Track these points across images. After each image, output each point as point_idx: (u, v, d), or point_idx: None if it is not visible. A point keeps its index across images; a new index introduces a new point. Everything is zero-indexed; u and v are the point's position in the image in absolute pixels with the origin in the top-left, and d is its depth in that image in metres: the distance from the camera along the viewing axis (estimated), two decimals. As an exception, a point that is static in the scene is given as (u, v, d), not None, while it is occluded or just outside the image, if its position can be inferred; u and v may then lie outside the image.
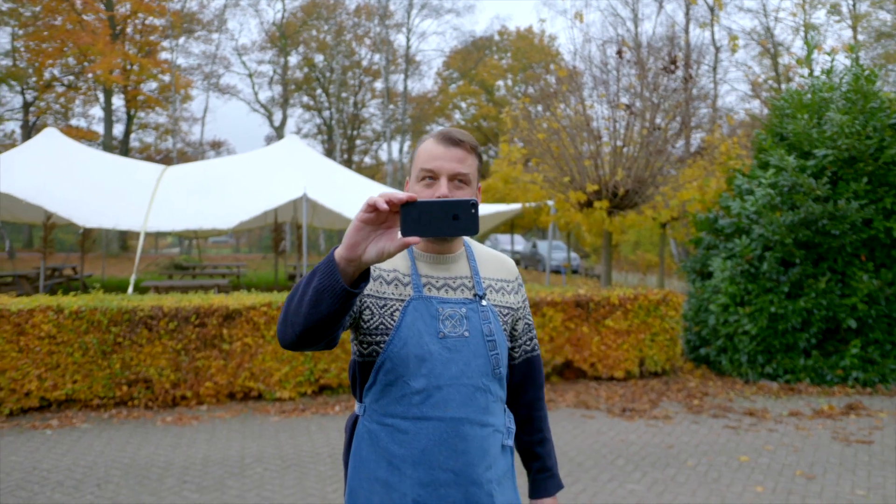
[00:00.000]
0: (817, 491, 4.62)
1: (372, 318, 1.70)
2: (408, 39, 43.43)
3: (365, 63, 43.81)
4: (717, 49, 30.19)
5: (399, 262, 1.76)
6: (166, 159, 36.76)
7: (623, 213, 10.30)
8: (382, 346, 1.69)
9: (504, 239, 33.16)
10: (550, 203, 11.90)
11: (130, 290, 10.29)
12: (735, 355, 8.09)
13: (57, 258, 24.83)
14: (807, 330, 7.77)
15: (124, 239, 33.82)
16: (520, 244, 32.20)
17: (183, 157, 37.83)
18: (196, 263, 22.49)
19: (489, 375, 1.73)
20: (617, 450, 5.51)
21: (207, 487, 4.60)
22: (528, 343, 1.96)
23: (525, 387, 1.97)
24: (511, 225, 26.69)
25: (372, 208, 1.30)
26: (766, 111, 19.56)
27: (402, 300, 1.71)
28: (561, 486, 1.97)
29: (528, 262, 29.40)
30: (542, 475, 1.95)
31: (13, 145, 30.51)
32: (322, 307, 1.38)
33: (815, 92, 8.43)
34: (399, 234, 1.32)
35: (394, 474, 1.68)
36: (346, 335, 5.99)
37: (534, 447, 1.96)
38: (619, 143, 10.16)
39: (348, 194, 13.47)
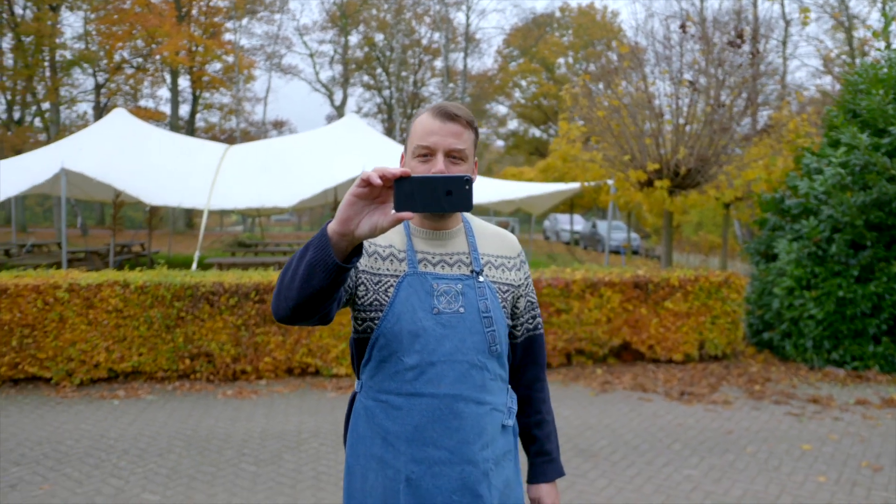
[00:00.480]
0: (884, 483, 4.46)
1: (366, 294, 1.69)
2: (467, 17, 43.27)
3: (425, 41, 43.70)
4: (787, 23, 29.06)
5: (395, 238, 1.74)
6: (230, 139, 37.52)
7: (685, 192, 10.05)
8: (377, 322, 1.69)
9: (563, 219, 32.83)
10: (610, 182, 11.70)
11: (194, 266, 10.56)
12: (800, 340, 7.84)
13: (126, 235, 25.68)
14: (877, 315, 7.47)
15: (190, 217, 34.76)
16: (579, 224, 31.82)
17: (246, 137, 38.57)
18: (258, 241, 22.96)
19: (486, 352, 1.70)
20: (674, 434, 5.42)
21: (264, 460, 4.71)
22: (530, 321, 1.91)
23: (525, 366, 1.92)
24: (570, 204, 26.44)
25: (365, 183, 1.29)
26: (838, 87, 18.80)
27: (397, 276, 1.70)
28: (561, 473, 1.92)
29: (587, 243, 29.04)
30: (540, 459, 1.91)
31: (85, 126, 31.54)
32: (314, 282, 1.38)
33: (893, 66, 8.03)
34: (392, 210, 1.31)
35: (388, 451, 1.67)
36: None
37: (531, 429, 1.92)
38: (681, 120, 9.89)
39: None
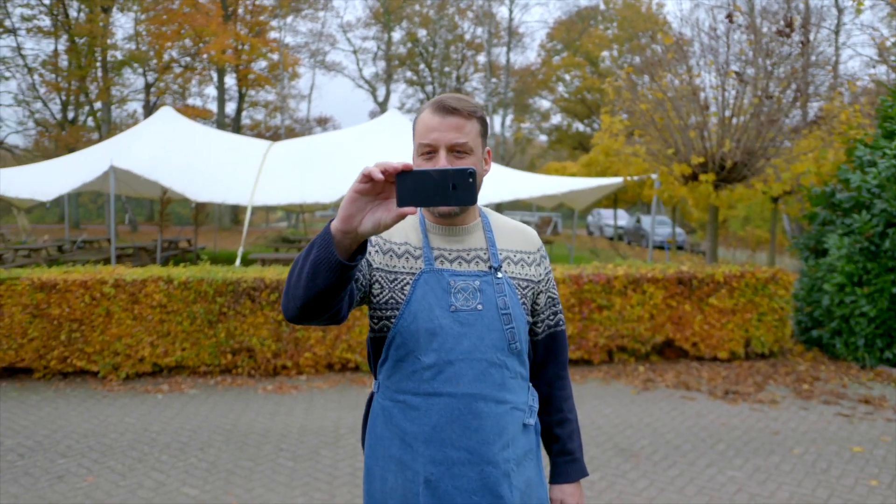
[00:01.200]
0: (938, 486, 4.28)
1: (382, 293, 1.66)
2: (510, 11, 43.10)
3: (468, 37, 43.62)
4: (840, 11, 28.17)
5: (411, 235, 1.71)
6: (275, 136, 37.98)
7: (731, 186, 9.82)
8: (393, 320, 1.65)
9: (607, 213, 32.47)
10: (654, 176, 11.51)
11: (238, 262, 10.70)
12: (851, 338, 7.60)
13: (173, 231, 26.21)
14: (933, 313, 7.20)
15: (236, 213, 35.31)
16: (623, 219, 31.46)
17: (291, 134, 38.99)
18: (302, 237, 23.19)
19: (505, 350, 1.66)
20: (717, 434, 5.29)
21: (302, 456, 4.74)
22: (551, 318, 1.86)
23: (546, 363, 1.87)
24: (614, 199, 26.14)
25: (367, 178, 1.25)
26: (893, 76, 18.15)
27: (413, 273, 1.66)
28: (585, 474, 1.86)
29: (631, 238, 28.68)
30: (562, 458, 1.86)
31: (136, 124, 32.28)
32: (319, 280, 1.35)
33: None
34: (395, 205, 1.28)
35: (407, 452, 1.64)
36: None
37: (553, 428, 1.86)
38: (727, 112, 9.66)
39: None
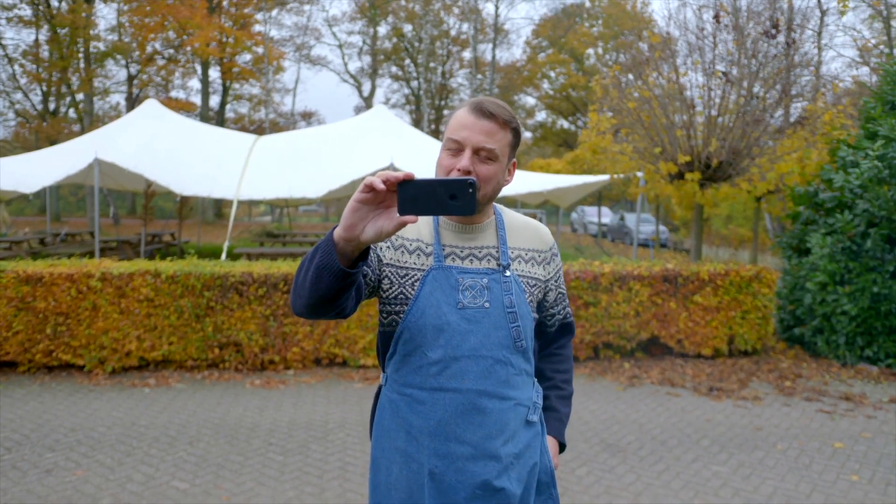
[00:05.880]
0: (918, 482, 4.37)
1: (391, 288, 1.70)
2: (496, 8, 43.06)
3: (453, 32, 43.63)
4: (823, 12, 28.44)
5: (423, 232, 1.74)
6: (259, 129, 37.81)
7: (716, 185, 9.91)
8: (401, 315, 1.69)
9: (591, 211, 32.60)
10: (640, 174, 11.59)
11: (223, 256, 10.67)
12: (832, 336, 7.72)
13: (157, 225, 26.01)
14: (913, 312, 7.32)
15: (219, 207, 35.10)
16: (607, 216, 31.59)
17: (275, 128, 38.83)
18: (286, 231, 23.12)
19: (510, 348, 1.70)
20: (702, 430, 5.36)
21: (291, 450, 4.75)
22: (560, 311, 1.96)
23: (555, 341, 2.00)
24: (599, 197, 26.26)
25: (369, 188, 1.29)
26: (875, 78, 18.37)
27: (423, 270, 1.69)
28: (563, 441, 1.94)
29: (615, 235, 28.84)
30: (549, 414, 1.93)
31: (118, 117, 31.99)
32: (322, 284, 1.39)
33: (932, 57, 7.82)
34: (397, 213, 1.31)
35: (412, 444, 1.67)
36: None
37: (549, 389, 1.95)
38: (713, 112, 9.74)
39: (435, 164, 13.51)
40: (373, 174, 1.31)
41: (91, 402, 5.74)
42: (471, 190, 1.30)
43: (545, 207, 28.82)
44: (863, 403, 6.17)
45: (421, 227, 1.75)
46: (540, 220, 30.08)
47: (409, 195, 1.29)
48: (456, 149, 1.64)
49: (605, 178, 14.43)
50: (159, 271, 6.61)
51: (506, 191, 14.61)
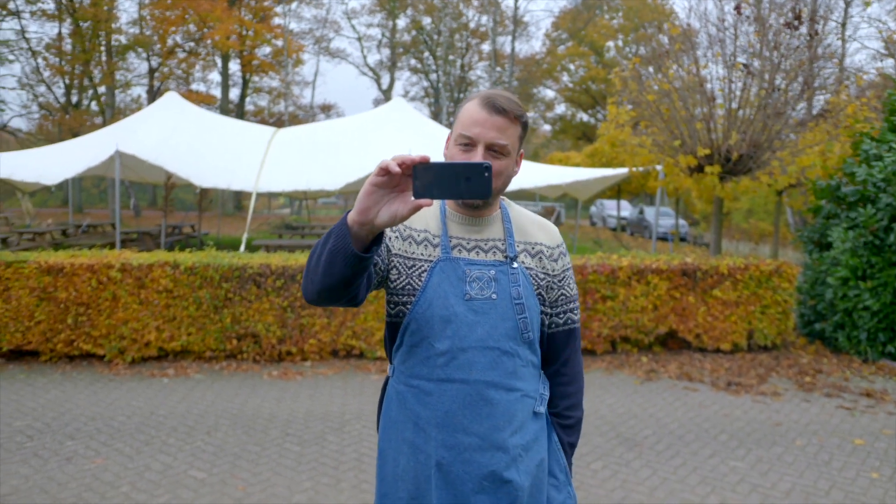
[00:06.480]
0: (939, 479, 4.32)
1: (399, 279, 1.69)
2: (515, 0, 42.73)
3: (472, 25, 43.48)
4: (848, 3, 28.01)
5: (431, 223, 1.73)
6: (279, 122, 37.94)
7: (736, 178, 9.81)
8: (409, 306, 1.68)
9: (610, 204, 32.44)
10: (659, 168, 11.50)
11: (242, 248, 10.73)
12: (853, 332, 7.63)
13: (177, 216, 26.23)
14: (937, 307, 7.21)
15: (239, 199, 35.32)
16: (626, 210, 31.40)
17: (295, 120, 38.96)
18: (305, 224, 23.21)
19: (517, 339, 1.69)
20: (720, 425, 5.33)
21: (308, 441, 4.78)
22: (560, 316, 1.85)
23: (552, 358, 1.87)
24: (618, 190, 26.07)
25: (384, 171, 1.28)
26: (901, 70, 18.10)
27: (430, 261, 1.69)
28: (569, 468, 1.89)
29: (634, 229, 28.66)
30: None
31: (139, 109, 32.23)
32: (335, 270, 1.38)
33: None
34: (411, 197, 1.30)
35: (419, 436, 1.67)
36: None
37: (554, 419, 1.88)
38: (734, 104, 9.64)
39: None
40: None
41: (111, 391, 5.81)
42: (486, 174, 1.30)
43: (564, 201, 28.73)
44: (884, 400, 6.10)
45: (429, 219, 1.75)
46: (559, 214, 29.84)
47: (425, 178, 1.28)
48: (468, 144, 1.63)
49: (623, 171, 14.32)
50: (178, 262, 6.66)
51: (525, 184, 14.58)
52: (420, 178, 1.28)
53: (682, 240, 25.14)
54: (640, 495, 4.03)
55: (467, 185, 1.30)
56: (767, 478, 4.32)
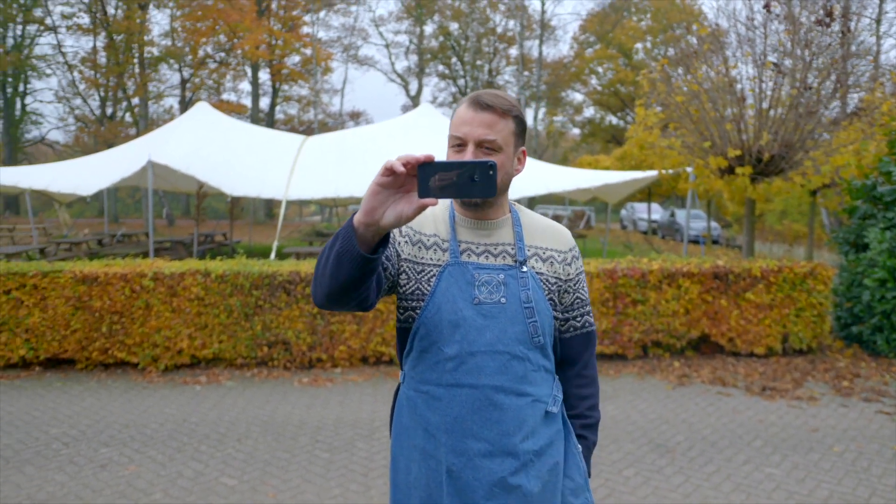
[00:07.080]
0: (984, 486, 4.19)
1: (408, 283, 1.69)
2: (542, 4, 42.66)
3: (500, 30, 43.49)
4: (883, -1, 27.46)
5: (440, 228, 1.73)
6: (308, 130, 38.30)
7: (768, 179, 9.67)
8: (418, 311, 1.68)
9: (640, 207, 32.14)
10: (689, 170, 11.38)
11: (273, 255, 10.83)
12: (892, 335, 7.45)
13: (209, 225, 26.55)
14: (979, 309, 7.02)
15: (270, 207, 35.68)
16: (657, 213, 31.11)
17: (324, 128, 39.29)
18: (335, 231, 23.36)
19: (527, 343, 1.67)
20: (755, 430, 5.24)
21: (338, 448, 4.79)
22: (577, 319, 1.85)
23: (568, 363, 1.87)
24: (648, 193, 25.84)
25: (389, 171, 1.27)
26: (938, 66, 17.68)
27: (439, 265, 1.68)
28: (588, 468, 1.85)
29: (665, 232, 28.38)
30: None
31: (172, 119, 32.74)
32: (342, 272, 1.38)
33: None
34: (417, 197, 1.29)
35: (430, 442, 1.66)
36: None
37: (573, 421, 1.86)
38: (764, 104, 9.50)
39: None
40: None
41: (144, 398, 5.88)
42: (491, 172, 1.30)
43: (593, 204, 28.54)
44: (925, 404, 5.95)
45: (438, 223, 1.75)
46: (588, 218, 29.61)
47: (430, 178, 1.28)
48: (459, 145, 1.64)
49: (653, 173, 14.20)
50: (209, 271, 6.73)
51: (554, 187, 14.53)
52: (424, 178, 1.28)
53: (715, 242, 24.82)
54: (672, 503, 3.97)
55: (472, 183, 1.30)
56: (804, 485, 4.23)
